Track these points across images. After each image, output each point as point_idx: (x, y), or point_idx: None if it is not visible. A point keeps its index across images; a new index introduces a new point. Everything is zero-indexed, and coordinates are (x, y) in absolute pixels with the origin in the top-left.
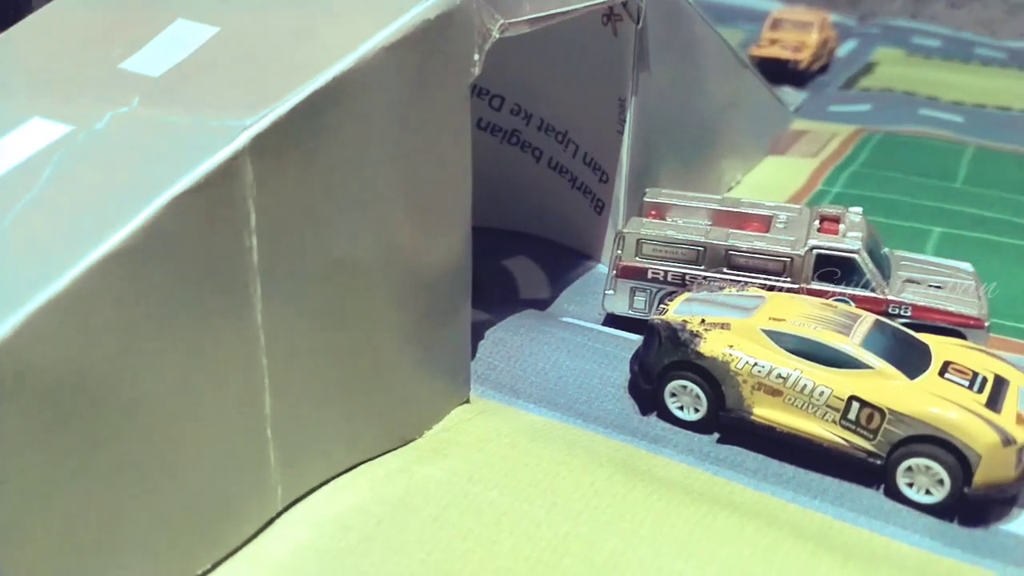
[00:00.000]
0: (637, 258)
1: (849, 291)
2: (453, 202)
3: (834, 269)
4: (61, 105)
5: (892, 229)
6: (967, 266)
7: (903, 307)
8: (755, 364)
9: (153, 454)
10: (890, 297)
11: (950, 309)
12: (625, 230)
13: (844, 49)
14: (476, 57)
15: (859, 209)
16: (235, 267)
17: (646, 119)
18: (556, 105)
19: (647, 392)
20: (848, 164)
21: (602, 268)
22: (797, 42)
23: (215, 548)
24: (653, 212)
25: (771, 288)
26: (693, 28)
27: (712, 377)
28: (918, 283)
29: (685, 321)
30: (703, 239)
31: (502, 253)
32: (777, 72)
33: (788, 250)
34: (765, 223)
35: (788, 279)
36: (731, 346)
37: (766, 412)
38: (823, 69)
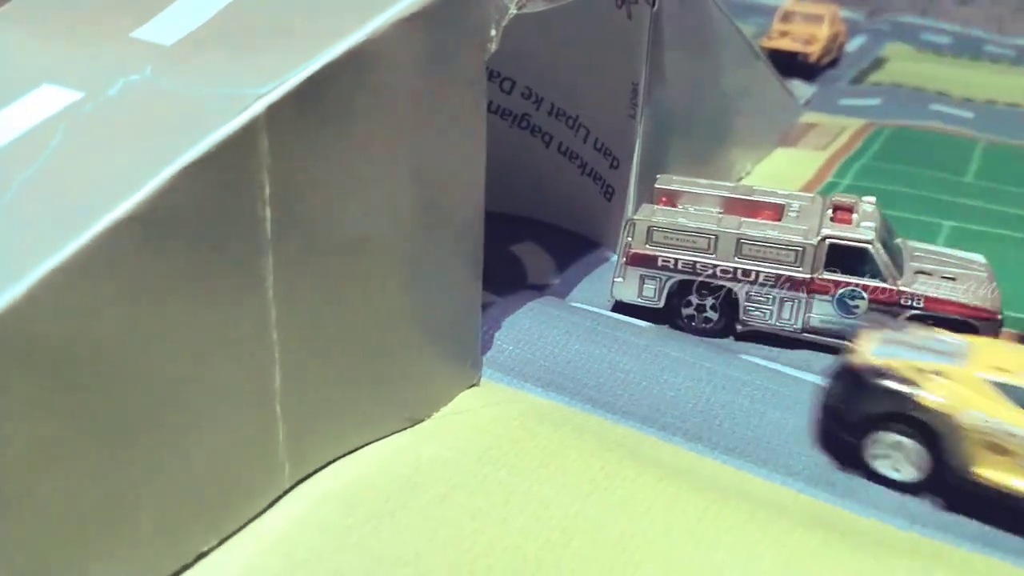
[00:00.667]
0: (647, 245)
1: (862, 281)
2: (466, 181)
3: (846, 258)
4: (71, 72)
5: (903, 222)
6: (980, 258)
7: (915, 298)
8: (985, 420)
9: (160, 427)
10: (903, 288)
11: (963, 301)
12: (636, 217)
13: (853, 44)
14: (493, 32)
15: (872, 199)
16: (248, 238)
17: (659, 104)
18: (567, 89)
19: (847, 445)
20: (859, 157)
21: (611, 255)
22: (808, 35)
23: (222, 524)
24: (664, 199)
25: (786, 278)
26: (708, 14)
27: (932, 432)
28: (930, 274)
29: (893, 366)
30: (715, 227)
31: (510, 238)
32: (787, 64)
33: (801, 239)
34: (777, 212)
35: (800, 269)
36: (955, 397)
37: (991, 473)
38: (833, 63)
